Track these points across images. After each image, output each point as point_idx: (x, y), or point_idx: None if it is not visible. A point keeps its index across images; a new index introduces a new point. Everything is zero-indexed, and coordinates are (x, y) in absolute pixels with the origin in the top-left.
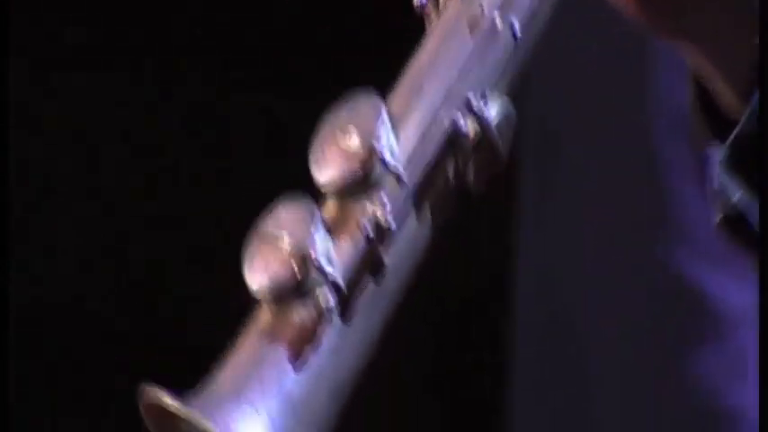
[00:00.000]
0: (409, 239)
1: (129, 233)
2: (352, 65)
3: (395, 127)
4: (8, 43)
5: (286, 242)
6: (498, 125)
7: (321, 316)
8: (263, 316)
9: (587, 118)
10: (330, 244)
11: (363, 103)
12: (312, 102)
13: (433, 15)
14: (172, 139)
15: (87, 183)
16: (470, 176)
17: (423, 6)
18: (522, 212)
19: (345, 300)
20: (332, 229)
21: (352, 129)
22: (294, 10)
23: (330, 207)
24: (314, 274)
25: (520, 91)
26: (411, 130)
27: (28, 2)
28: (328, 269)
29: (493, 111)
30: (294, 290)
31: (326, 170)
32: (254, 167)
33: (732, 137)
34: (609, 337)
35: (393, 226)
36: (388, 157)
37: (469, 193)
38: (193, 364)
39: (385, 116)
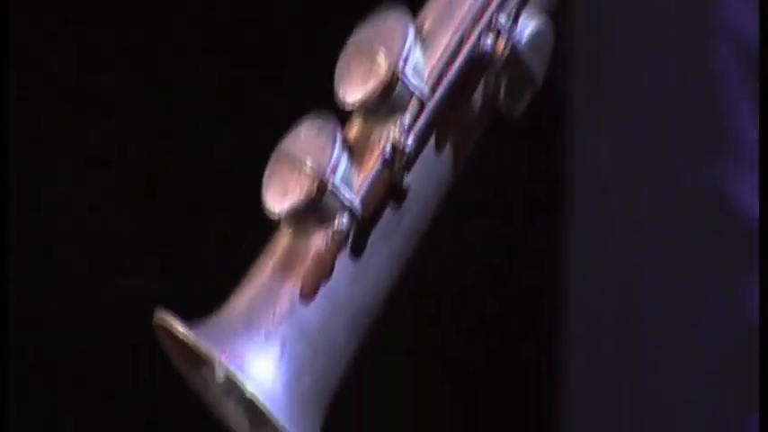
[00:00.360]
0: (432, 163)
1: (129, 233)
2: None
3: (422, 46)
4: (8, 43)
5: (306, 165)
6: (531, 44)
7: (338, 242)
8: (280, 241)
9: (642, 41)
10: (350, 168)
11: (391, 22)
12: (312, 102)
13: None
14: (172, 139)
15: (87, 183)
16: (502, 99)
17: None
18: (573, 136)
19: (362, 225)
20: (354, 152)
21: (377, 47)
22: (294, 10)
23: (355, 127)
24: (332, 199)
25: (573, 3)
26: (438, 49)
27: (28, 2)
28: (346, 194)
29: (525, 29)
30: (312, 214)
31: (350, 89)
32: (254, 167)
33: None
34: (660, 267)
35: (411, 149)
36: (412, 77)
37: (505, 117)
38: None
39: (412, 36)
